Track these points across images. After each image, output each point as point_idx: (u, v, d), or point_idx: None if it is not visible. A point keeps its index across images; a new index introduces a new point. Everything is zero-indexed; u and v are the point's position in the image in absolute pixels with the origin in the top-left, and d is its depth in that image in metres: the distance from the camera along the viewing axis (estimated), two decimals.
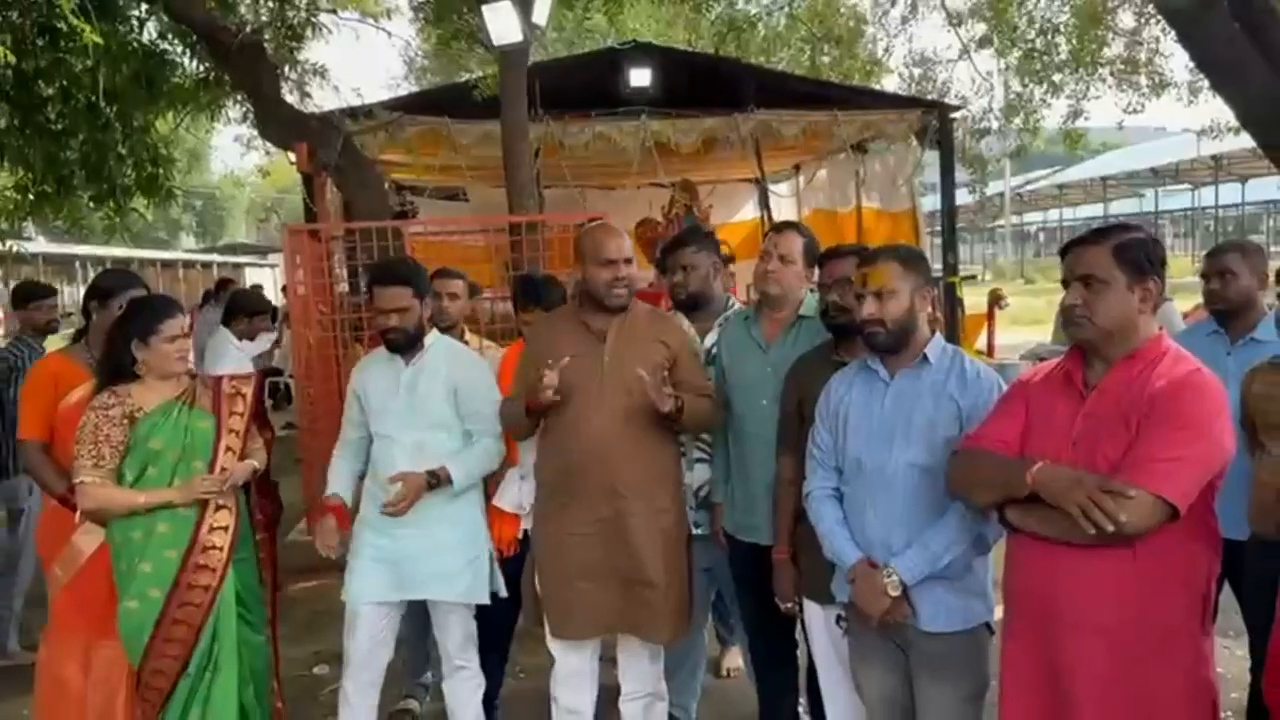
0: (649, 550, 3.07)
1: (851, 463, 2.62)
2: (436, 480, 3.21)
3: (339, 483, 3.39)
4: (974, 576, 2.51)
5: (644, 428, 3.08)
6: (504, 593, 3.41)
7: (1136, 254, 2.13)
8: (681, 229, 10.34)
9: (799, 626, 3.30)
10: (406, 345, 3.29)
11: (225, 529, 3.11)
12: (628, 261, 3.09)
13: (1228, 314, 3.28)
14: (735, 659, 4.34)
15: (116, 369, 3.08)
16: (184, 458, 3.08)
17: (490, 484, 3.52)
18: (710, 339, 3.52)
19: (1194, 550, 2.09)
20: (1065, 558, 2.11)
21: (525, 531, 3.55)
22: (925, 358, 2.58)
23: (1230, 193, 29.25)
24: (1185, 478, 2.01)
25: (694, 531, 3.34)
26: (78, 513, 3.18)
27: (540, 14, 6.15)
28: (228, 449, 3.15)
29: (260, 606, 3.31)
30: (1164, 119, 27.42)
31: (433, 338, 3.37)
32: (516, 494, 3.54)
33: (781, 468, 3.04)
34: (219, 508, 3.10)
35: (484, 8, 5.86)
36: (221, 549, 3.08)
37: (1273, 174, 24.55)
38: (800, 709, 3.54)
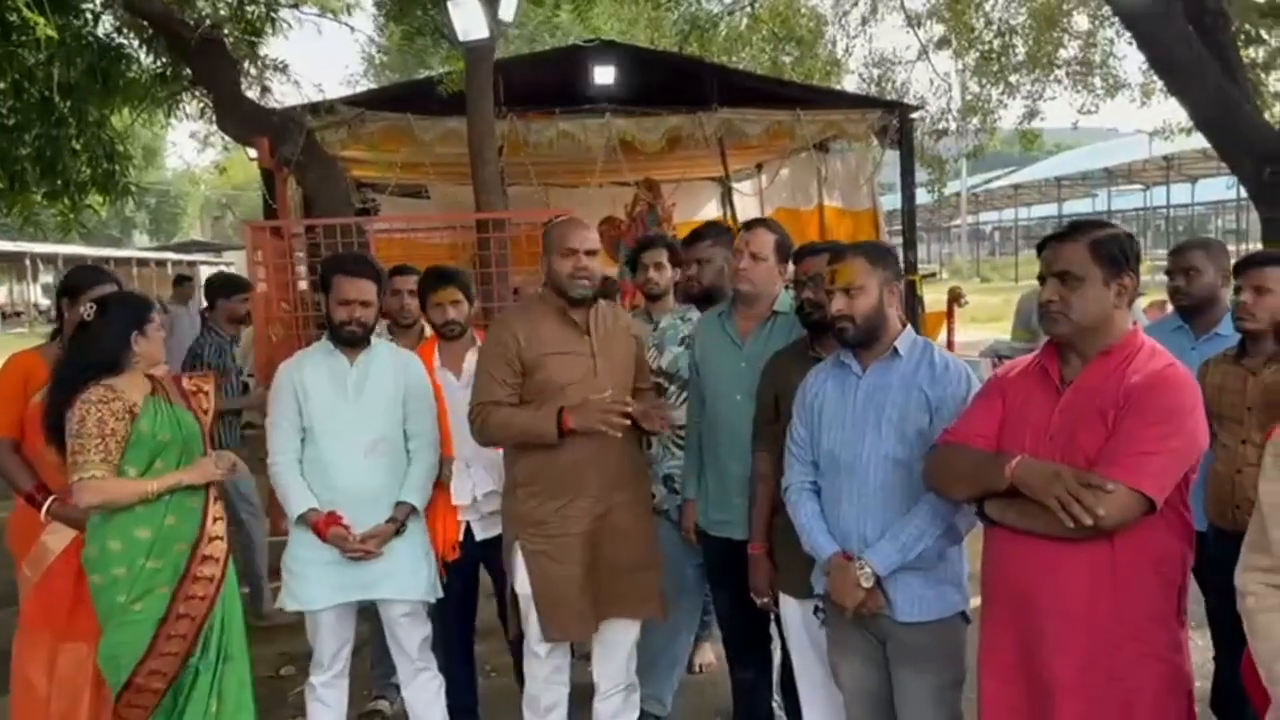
0: (644, 535, 3.15)
1: (826, 456, 2.64)
2: (404, 525, 3.24)
3: (308, 497, 3.22)
4: (948, 566, 2.55)
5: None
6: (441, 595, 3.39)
7: (1112, 249, 2.17)
8: (645, 228, 10.39)
9: (773, 622, 3.32)
10: (359, 342, 3.26)
11: (222, 519, 3.13)
12: (590, 253, 3.08)
13: (1192, 310, 3.35)
14: (708, 654, 4.36)
15: (112, 363, 3.02)
16: (185, 451, 3.07)
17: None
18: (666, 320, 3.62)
19: (1169, 542, 2.13)
20: (1043, 550, 2.14)
21: (468, 526, 3.55)
22: (896, 350, 2.61)
23: (1181, 193, 29.79)
24: (1162, 471, 2.05)
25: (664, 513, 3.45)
26: (42, 511, 3.11)
27: (507, 10, 6.11)
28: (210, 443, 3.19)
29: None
30: (1116, 121, 27.96)
31: (375, 341, 3.36)
32: (470, 486, 3.53)
33: (757, 462, 3.05)
34: (216, 498, 3.11)
35: (449, 4, 5.81)
36: (223, 539, 3.10)
37: (1222, 174, 25.11)
38: (775, 704, 3.56)
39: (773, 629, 3.38)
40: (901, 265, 2.64)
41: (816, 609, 2.76)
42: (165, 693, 2.99)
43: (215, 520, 3.08)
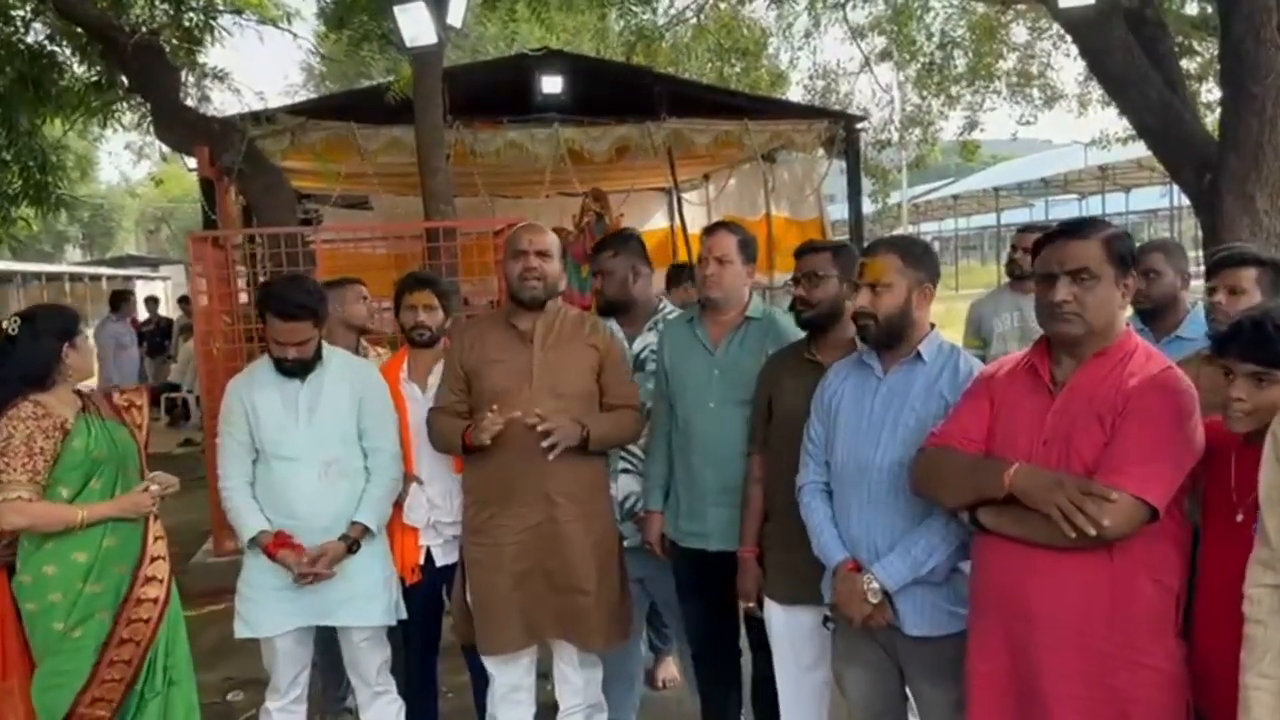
0: (581, 556, 3.02)
1: (839, 458, 2.56)
2: (356, 544, 3.10)
3: (257, 518, 3.08)
4: (961, 580, 2.44)
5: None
6: (405, 616, 3.28)
7: (1122, 248, 2.12)
8: (593, 238, 10.32)
9: (743, 636, 3.25)
10: (304, 372, 3.13)
11: (162, 538, 3.00)
12: (541, 254, 3.02)
13: (1152, 313, 3.35)
14: (670, 669, 4.28)
15: (41, 377, 2.87)
16: (121, 470, 2.94)
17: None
18: (640, 343, 3.47)
19: (1166, 549, 2.08)
20: (1038, 559, 2.08)
21: (428, 551, 3.41)
22: (919, 354, 2.52)
23: (1115, 202, 30.45)
24: (1165, 479, 2.00)
25: (625, 542, 3.27)
26: None
27: (455, 15, 6.01)
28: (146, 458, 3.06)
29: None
30: (1051, 133, 28.61)
31: (328, 351, 3.22)
32: (425, 508, 3.38)
33: (750, 465, 2.99)
34: (157, 516, 3.01)
35: (396, 9, 5.69)
36: (165, 559, 2.97)
37: (1154, 184, 25.72)
38: None
39: (742, 642, 3.30)
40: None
41: (826, 619, 2.68)
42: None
43: (156, 539, 2.96)
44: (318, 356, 3.14)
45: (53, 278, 27.27)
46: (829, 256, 2.85)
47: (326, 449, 3.10)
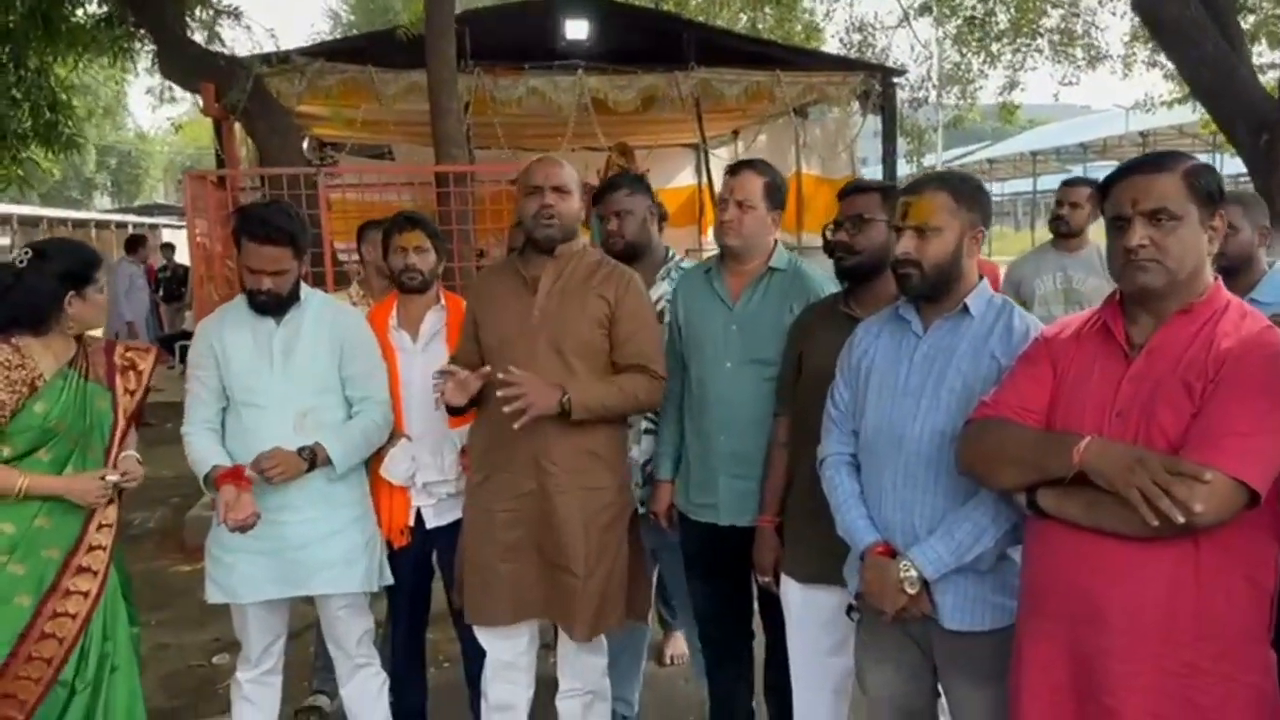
0: (573, 533, 2.69)
1: (870, 428, 2.22)
2: (313, 459, 2.78)
3: (215, 454, 2.80)
4: (1009, 568, 2.13)
5: (575, 390, 2.68)
6: (390, 582, 3.03)
7: (1209, 184, 1.79)
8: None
9: (755, 615, 3.00)
10: (280, 307, 2.84)
11: (110, 526, 2.68)
12: (558, 190, 2.70)
13: (1225, 271, 3.01)
14: (679, 645, 4.04)
15: (37, 320, 2.60)
16: (80, 445, 2.64)
17: (375, 457, 3.06)
18: (653, 293, 3.14)
19: (1262, 542, 1.76)
20: (1111, 551, 1.77)
21: (419, 512, 3.15)
22: (966, 308, 2.18)
23: None
24: (1266, 457, 1.67)
25: (640, 510, 2.99)
26: None
27: None
28: (121, 434, 2.72)
29: (131, 595, 2.85)
30: (1090, 98, 27.92)
31: (307, 292, 2.92)
32: (408, 465, 3.10)
33: (775, 428, 2.71)
34: (111, 501, 2.68)
35: None
36: (105, 549, 2.66)
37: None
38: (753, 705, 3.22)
39: (755, 624, 3.05)
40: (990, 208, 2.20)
41: (850, 608, 2.39)
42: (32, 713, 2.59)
43: (101, 527, 2.64)
44: (295, 296, 2.86)
45: (79, 224, 27.25)
46: (877, 198, 2.53)
47: (302, 397, 2.83)
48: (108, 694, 2.67)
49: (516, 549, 2.73)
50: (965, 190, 2.18)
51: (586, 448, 2.72)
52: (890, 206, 2.47)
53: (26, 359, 2.58)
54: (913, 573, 2.08)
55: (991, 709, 2.11)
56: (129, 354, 2.82)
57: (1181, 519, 1.61)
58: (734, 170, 2.85)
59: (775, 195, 2.82)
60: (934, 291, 2.17)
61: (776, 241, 2.88)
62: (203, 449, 2.80)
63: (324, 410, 2.86)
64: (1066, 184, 4.43)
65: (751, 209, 2.77)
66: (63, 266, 2.63)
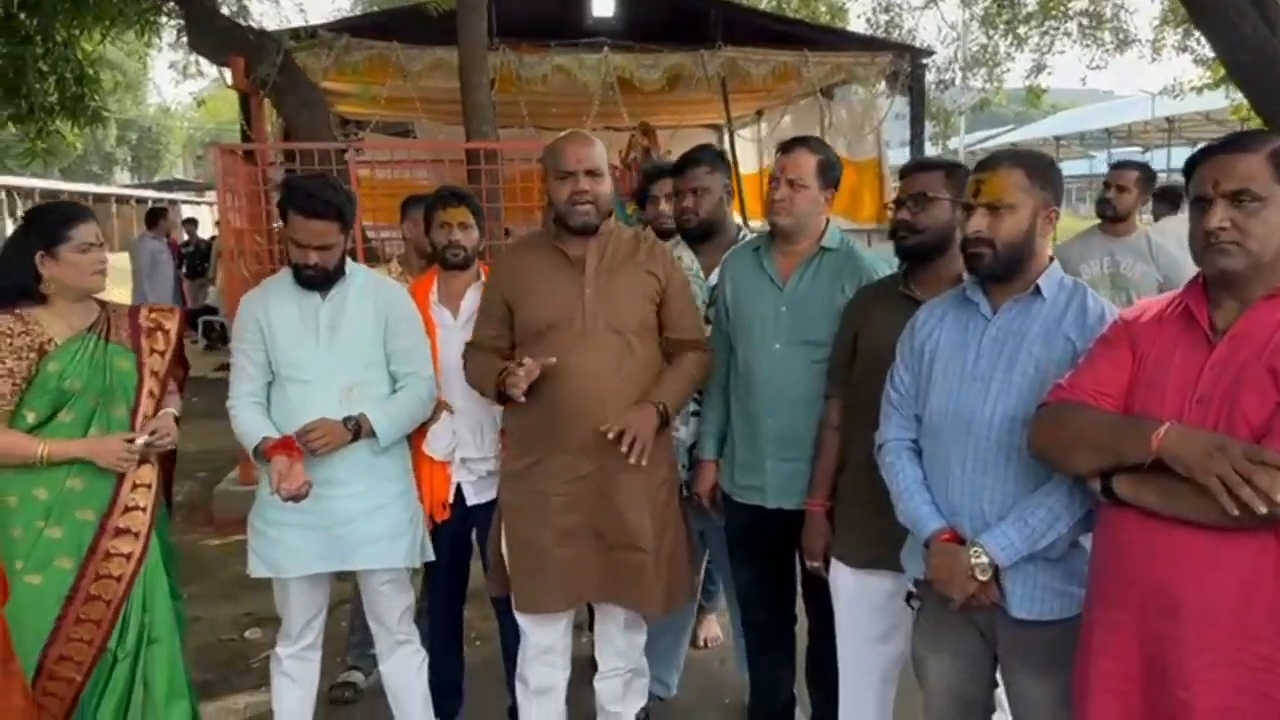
0: (637, 510, 2.69)
1: (936, 412, 2.16)
2: (358, 429, 2.76)
3: (264, 426, 2.79)
4: (1079, 556, 2.08)
5: (633, 371, 2.68)
6: (432, 558, 3.01)
7: None
8: (640, 174, 9.95)
9: (798, 600, 2.98)
10: (327, 282, 2.82)
11: (149, 486, 2.66)
12: (591, 174, 2.65)
13: None
14: (713, 628, 4.04)
15: (19, 290, 2.58)
16: (103, 403, 2.61)
17: (417, 433, 3.05)
18: (718, 275, 3.11)
19: None
20: (1189, 541, 1.72)
21: (459, 488, 3.14)
22: (1038, 290, 2.12)
23: (1181, 156, 29.39)
24: None
25: (684, 493, 2.98)
26: None
27: None
28: (149, 394, 2.68)
29: (177, 570, 2.87)
30: (1114, 83, 27.64)
31: (352, 267, 2.90)
32: (448, 440, 3.09)
33: (827, 410, 2.68)
34: (142, 460, 2.65)
35: None
36: (145, 509, 2.63)
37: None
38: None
39: (798, 608, 3.03)
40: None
41: (910, 595, 2.35)
42: (84, 684, 2.61)
43: (136, 488, 2.62)
44: (341, 270, 2.84)
45: (100, 199, 27.34)
46: (941, 176, 2.47)
47: (348, 372, 2.80)
48: (146, 666, 2.66)
49: (573, 533, 2.70)
50: (1039, 168, 2.12)
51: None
52: (955, 185, 2.42)
53: (31, 326, 2.57)
54: (984, 559, 2.03)
55: (1053, 699, 2.08)
56: (154, 315, 2.80)
57: (1264, 509, 1.56)
58: (787, 148, 2.80)
59: (828, 174, 2.77)
60: (1005, 271, 2.12)
61: (828, 221, 2.83)
62: (251, 422, 2.78)
63: (369, 385, 2.84)
64: (1115, 167, 4.36)
65: (804, 188, 2.73)
66: (36, 228, 2.60)
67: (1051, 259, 2.17)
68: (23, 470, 2.53)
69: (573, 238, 2.71)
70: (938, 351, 2.20)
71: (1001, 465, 2.07)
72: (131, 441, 2.59)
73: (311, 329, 2.80)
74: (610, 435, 2.54)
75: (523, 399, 2.56)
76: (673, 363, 2.78)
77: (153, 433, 2.63)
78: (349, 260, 2.88)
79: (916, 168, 2.54)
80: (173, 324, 2.82)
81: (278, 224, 5.95)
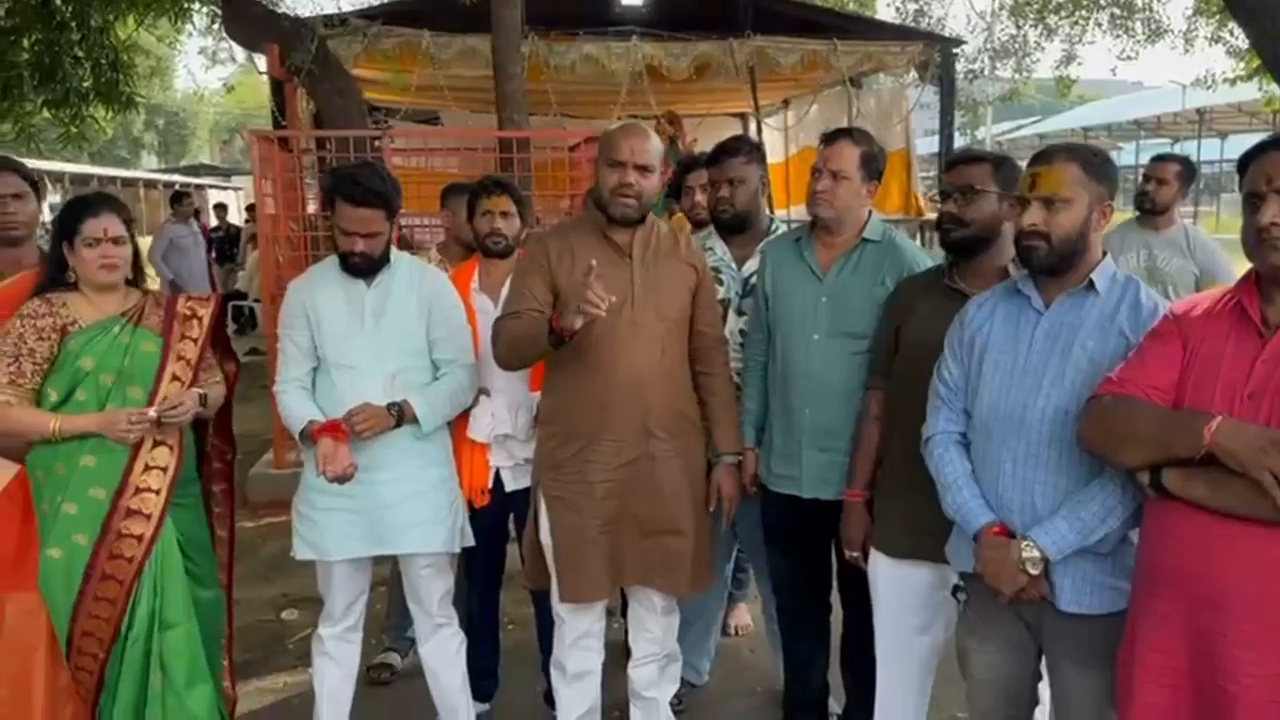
0: (678, 495, 2.74)
1: (986, 406, 2.15)
2: (401, 416, 2.80)
3: (310, 409, 2.84)
4: (1128, 550, 2.09)
5: (673, 358, 2.74)
6: (471, 543, 3.04)
7: None
8: (667, 163, 9.90)
9: (834, 588, 3.00)
10: (372, 270, 2.85)
11: (164, 469, 2.67)
12: (640, 168, 2.66)
13: None
14: (743, 616, 4.06)
15: (55, 275, 2.68)
16: (119, 383, 2.65)
17: (458, 419, 3.08)
18: (751, 265, 3.14)
19: None
20: (1236, 534, 1.73)
21: (497, 474, 3.18)
22: (1091, 284, 2.11)
23: (1211, 148, 29.05)
24: None
25: None
26: None
27: None
28: (174, 378, 2.71)
29: (208, 559, 2.88)
30: (1143, 74, 27.38)
31: (396, 255, 2.94)
32: (489, 421, 3.12)
33: (867, 401, 2.69)
34: (157, 443, 2.67)
35: None
36: (158, 492, 2.65)
37: (1255, 130, 24.49)
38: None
39: (833, 597, 3.05)
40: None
41: (956, 588, 2.37)
42: (106, 661, 2.66)
43: (148, 469, 2.64)
44: (386, 258, 2.87)
45: (128, 183, 27.57)
46: (988, 169, 2.46)
47: (392, 359, 2.84)
48: (163, 652, 2.68)
49: (614, 520, 2.73)
50: (1095, 162, 2.12)
51: (680, 410, 2.78)
52: (1002, 178, 2.43)
53: (58, 309, 2.63)
54: (1035, 553, 2.04)
55: (1098, 693, 2.09)
56: (190, 303, 2.84)
57: None
58: (829, 139, 2.80)
59: (871, 165, 2.77)
60: (1060, 265, 2.12)
61: (871, 212, 2.84)
62: (297, 405, 2.82)
63: (412, 372, 2.87)
64: (1155, 159, 4.33)
65: (845, 179, 2.73)
66: (61, 219, 2.68)
67: (1105, 253, 2.18)
68: (47, 445, 2.60)
69: (618, 227, 2.74)
70: (988, 345, 2.20)
71: (1053, 459, 2.08)
72: (143, 412, 2.59)
73: (357, 316, 2.83)
74: (711, 508, 2.80)
75: (577, 325, 2.47)
76: (712, 388, 2.86)
77: (168, 407, 2.62)
78: (392, 248, 2.92)
79: (963, 160, 2.54)
80: (207, 311, 2.85)
81: (312, 210, 6.02)
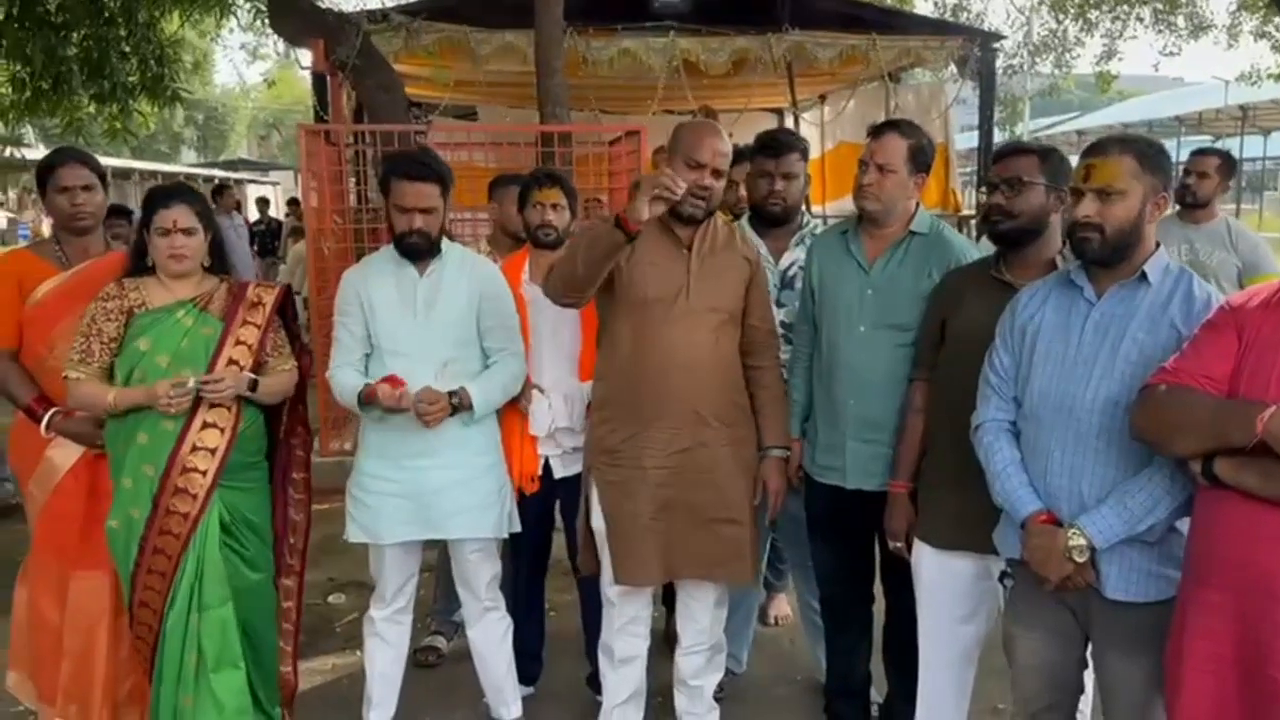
0: (733, 483, 2.79)
1: (1036, 395, 2.18)
2: (458, 404, 2.87)
3: (362, 380, 2.89)
4: (1176, 540, 2.10)
5: (728, 348, 2.78)
6: (518, 528, 3.11)
7: None
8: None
9: (877, 579, 3.03)
10: (427, 253, 2.92)
11: (212, 451, 2.74)
12: (717, 172, 2.71)
13: None
14: (783, 606, 4.09)
15: (138, 261, 2.81)
16: (174, 365, 2.73)
17: (507, 408, 3.14)
18: (787, 258, 3.18)
19: None
20: None
21: (546, 461, 3.24)
22: (1144, 275, 2.13)
23: (1253, 145, 28.61)
24: None
25: None
26: (42, 426, 2.84)
27: None
28: (230, 361, 2.78)
29: (261, 542, 2.93)
30: (1183, 70, 26.98)
31: (447, 245, 3.01)
32: (548, 416, 3.18)
33: (911, 393, 2.71)
34: (206, 425, 2.74)
35: None
36: (205, 473, 2.72)
37: None
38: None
39: (876, 588, 3.08)
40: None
41: (1003, 574, 2.39)
42: (158, 633, 2.76)
43: (196, 450, 2.71)
44: (439, 244, 2.94)
45: (169, 177, 27.86)
46: (1035, 160, 2.48)
47: (443, 347, 2.91)
48: (200, 632, 2.75)
49: (667, 507, 2.77)
50: (1150, 154, 2.13)
51: (733, 399, 2.82)
52: (1049, 170, 2.45)
53: (129, 292, 2.75)
54: (1081, 541, 2.06)
55: (1144, 681, 2.11)
56: (258, 290, 2.92)
57: None
58: (877, 132, 2.81)
59: (919, 158, 2.78)
60: (1112, 257, 2.13)
61: (918, 205, 2.85)
62: (351, 378, 2.90)
63: (463, 360, 2.94)
64: (1196, 153, 4.32)
65: (892, 172, 2.75)
66: (142, 209, 2.81)
67: (1158, 245, 2.18)
68: (115, 420, 2.73)
69: (678, 221, 2.77)
70: (1039, 334, 2.22)
71: (1102, 449, 2.10)
72: (185, 384, 2.65)
73: (410, 305, 2.90)
74: (755, 501, 2.82)
75: (645, 216, 2.52)
76: (763, 381, 2.89)
77: (209, 381, 2.67)
78: (444, 240, 2.98)
79: (1011, 152, 2.55)
80: (270, 298, 2.92)
81: (353, 197, 6.10)
